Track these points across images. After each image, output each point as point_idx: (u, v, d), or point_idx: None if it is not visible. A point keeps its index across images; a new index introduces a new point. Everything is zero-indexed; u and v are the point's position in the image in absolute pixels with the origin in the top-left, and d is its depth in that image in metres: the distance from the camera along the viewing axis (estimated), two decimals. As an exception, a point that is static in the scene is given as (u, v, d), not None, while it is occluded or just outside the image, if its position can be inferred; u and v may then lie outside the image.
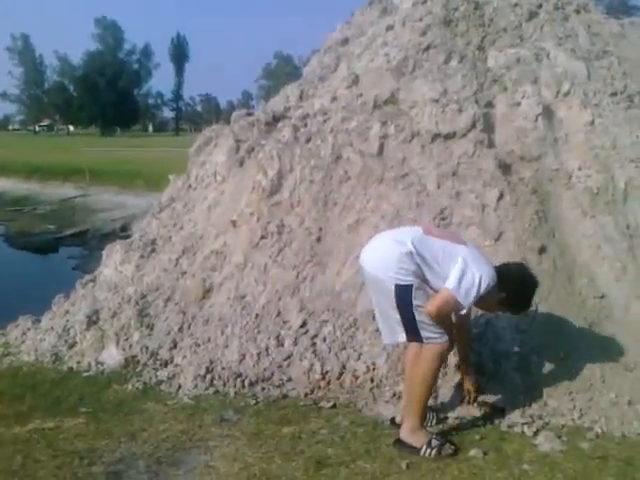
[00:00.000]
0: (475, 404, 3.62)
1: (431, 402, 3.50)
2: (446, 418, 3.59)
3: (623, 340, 3.92)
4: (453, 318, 3.43)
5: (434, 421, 3.52)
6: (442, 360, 3.25)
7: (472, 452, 3.20)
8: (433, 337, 3.12)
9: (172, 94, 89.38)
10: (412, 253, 3.12)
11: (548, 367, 3.81)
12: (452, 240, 3.27)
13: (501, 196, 4.44)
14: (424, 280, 3.17)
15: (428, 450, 3.16)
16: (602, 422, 3.51)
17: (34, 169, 26.56)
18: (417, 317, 3.09)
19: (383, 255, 3.22)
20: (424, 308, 3.08)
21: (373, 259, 3.27)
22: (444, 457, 3.14)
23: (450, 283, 3.07)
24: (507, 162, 4.67)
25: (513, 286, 3.26)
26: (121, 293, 5.10)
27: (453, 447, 3.20)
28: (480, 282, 3.05)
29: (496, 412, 3.58)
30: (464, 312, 3.32)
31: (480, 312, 3.85)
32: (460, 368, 3.69)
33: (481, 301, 3.22)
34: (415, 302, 3.09)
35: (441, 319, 3.12)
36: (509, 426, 3.48)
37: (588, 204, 4.49)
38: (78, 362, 4.70)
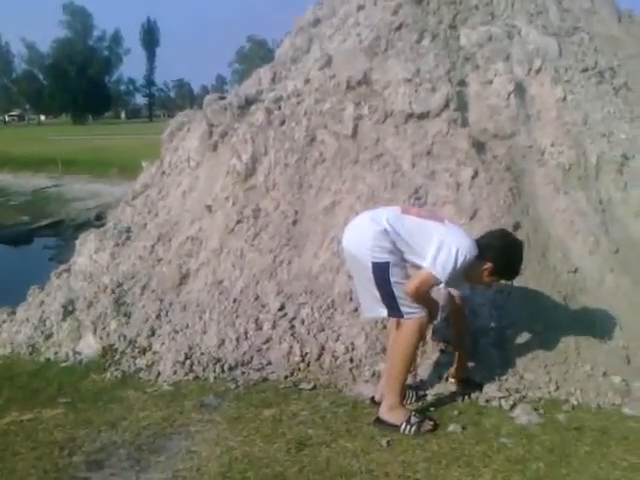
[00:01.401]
0: (453, 380, 3.66)
1: (410, 380, 3.53)
2: (425, 395, 3.62)
3: (597, 313, 3.98)
4: (441, 300, 3.47)
5: (414, 399, 3.56)
6: (421, 334, 3.27)
7: (451, 427, 3.24)
8: (412, 312, 3.15)
9: (144, 80, 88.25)
10: (387, 231, 3.13)
11: (524, 341, 3.86)
12: (429, 218, 3.28)
13: (475, 174, 4.46)
14: (402, 258, 3.18)
15: (408, 427, 3.19)
16: (578, 394, 3.58)
17: (5, 160, 26.07)
18: (396, 293, 3.12)
19: (360, 234, 3.24)
20: (403, 286, 3.10)
21: (350, 237, 3.30)
22: (424, 433, 3.18)
23: (426, 261, 3.09)
24: (481, 140, 4.69)
25: (497, 252, 3.24)
26: (97, 282, 5.04)
27: (432, 423, 3.24)
28: (457, 255, 3.06)
29: (473, 387, 3.62)
30: (442, 286, 3.34)
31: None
32: (455, 352, 3.70)
33: (469, 275, 3.25)
34: (393, 279, 3.11)
35: (420, 297, 3.14)
36: (487, 400, 3.53)
37: (561, 180, 4.53)
38: (55, 353, 4.66)
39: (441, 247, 3.07)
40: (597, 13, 5.79)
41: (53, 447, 3.27)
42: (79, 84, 71.25)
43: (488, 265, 3.23)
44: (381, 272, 3.12)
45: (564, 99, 4.85)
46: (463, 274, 3.25)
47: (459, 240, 3.13)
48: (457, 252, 3.07)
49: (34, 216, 17.51)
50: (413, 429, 3.19)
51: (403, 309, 3.14)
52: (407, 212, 3.32)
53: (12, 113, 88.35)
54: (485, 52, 5.06)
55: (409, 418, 3.21)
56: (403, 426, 3.20)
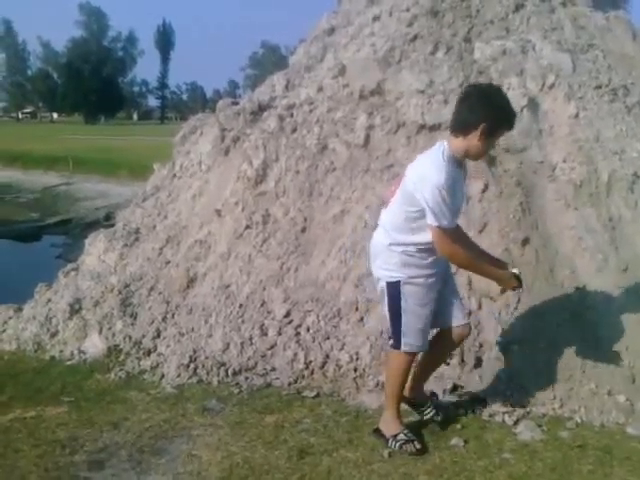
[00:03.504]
0: (456, 394, 3.65)
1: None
2: (438, 415, 3.60)
3: (603, 331, 3.96)
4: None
5: (430, 414, 3.44)
6: (409, 367, 3.22)
7: (453, 441, 3.23)
8: (411, 344, 3.12)
9: (157, 82, 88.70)
10: (391, 244, 3.10)
11: (529, 357, 3.84)
12: (400, 188, 3.12)
13: (486, 188, 4.46)
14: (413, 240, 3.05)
15: (393, 442, 3.17)
16: (582, 412, 3.56)
17: (16, 157, 26.26)
18: (403, 319, 3.09)
19: (373, 253, 3.26)
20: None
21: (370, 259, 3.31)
22: (405, 452, 3.12)
23: (428, 222, 2.93)
24: (492, 154, 4.68)
25: (482, 109, 2.89)
26: (104, 282, 5.06)
27: (419, 447, 3.15)
28: (438, 193, 2.85)
29: (477, 401, 3.61)
30: (454, 224, 3.06)
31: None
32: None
33: (468, 152, 2.99)
34: (404, 303, 3.08)
35: (456, 252, 2.99)
36: (490, 415, 3.52)
37: (571, 196, 4.52)
38: (60, 351, 4.67)
39: (427, 203, 2.87)
40: (612, 31, 5.78)
41: (55, 445, 3.28)
42: (92, 84, 71.73)
43: (481, 128, 2.88)
44: (393, 291, 3.11)
45: (577, 115, 4.84)
46: (462, 156, 3.02)
47: (425, 183, 2.90)
48: (434, 192, 2.85)
49: (43, 214, 17.62)
50: (397, 445, 3.16)
51: (404, 340, 3.11)
52: (387, 203, 3.22)
53: (25, 110, 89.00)
54: (499, 66, 5.06)
55: (397, 434, 3.19)
56: (390, 441, 3.19)
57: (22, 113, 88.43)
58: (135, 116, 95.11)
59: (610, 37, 5.67)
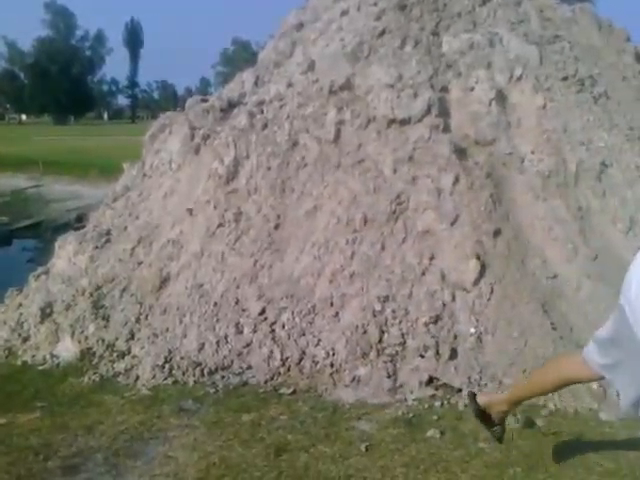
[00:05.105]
0: (432, 385, 3.67)
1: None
2: (405, 400, 3.63)
3: (575, 319, 4.02)
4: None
5: (502, 436, 2.95)
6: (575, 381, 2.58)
7: (430, 432, 3.25)
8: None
9: (127, 81, 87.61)
10: None
11: (502, 347, 3.88)
12: None
13: (456, 180, 4.48)
14: None
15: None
16: (556, 399, 3.61)
17: (-16, 160, 25.70)
18: None
19: None
20: None
21: None
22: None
23: None
24: (462, 146, 4.72)
25: None
26: (75, 285, 4.99)
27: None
28: None
29: (453, 392, 3.64)
30: None
31: (435, 295, 3.92)
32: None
33: None
34: None
35: None
36: (465, 405, 3.54)
37: (540, 187, 4.57)
38: (33, 356, 4.60)
39: None
40: (578, 22, 5.86)
41: (28, 452, 3.23)
42: (61, 84, 70.45)
43: None
44: None
45: (544, 107, 4.90)
46: None
47: None
48: None
49: (13, 217, 17.28)
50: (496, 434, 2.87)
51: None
52: None
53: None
54: (467, 59, 5.10)
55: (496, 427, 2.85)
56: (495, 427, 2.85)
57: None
58: (105, 116, 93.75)
59: (576, 29, 5.75)
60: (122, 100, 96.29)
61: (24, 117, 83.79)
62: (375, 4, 5.65)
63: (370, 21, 5.47)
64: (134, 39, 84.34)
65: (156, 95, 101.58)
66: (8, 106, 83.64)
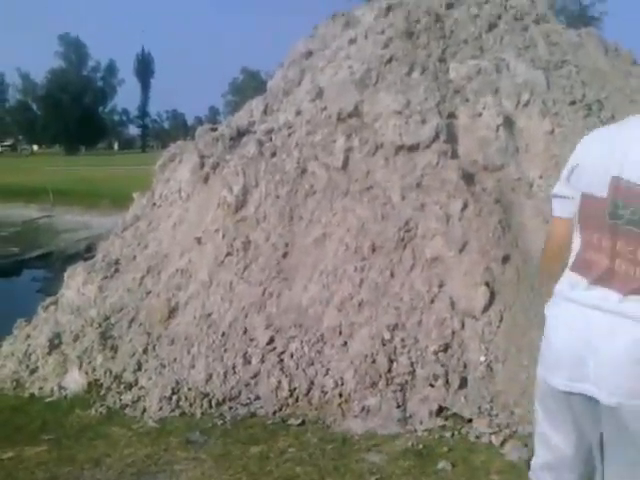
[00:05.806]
0: (442, 415, 3.60)
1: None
2: (414, 430, 3.56)
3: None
4: None
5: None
6: None
7: (440, 464, 3.18)
8: None
9: (138, 111, 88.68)
10: None
11: (513, 375, 3.81)
12: None
13: (465, 206, 4.46)
14: None
15: None
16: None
17: (-4, 190, 25.95)
18: None
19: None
20: None
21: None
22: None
23: None
24: (470, 172, 4.70)
25: None
26: (84, 315, 4.97)
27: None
28: None
29: (463, 423, 3.56)
30: None
31: (444, 322, 3.86)
32: None
33: None
34: None
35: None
36: (477, 437, 3.47)
37: (549, 212, 4.53)
38: (40, 388, 4.56)
39: None
40: (584, 47, 5.88)
41: (34, 486, 3.18)
42: (72, 114, 71.41)
43: None
44: None
45: (552, 132, 4.89)
46: None
47: None
48: None
49: (24, 247, 17.38)
50: None
51: None
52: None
53: (5, 143, 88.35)
54: (474, 85, 5.11)
55: None
56: None
57: (1, 146, 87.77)
58: (116, 146, 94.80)
59: (583, 53, 5.76)
60: (133, 130, 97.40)
61: (36, 147, 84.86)
62: (382, 32, 5.70)
63: (378, 49, 5.51)
64: (145, 69, 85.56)
65: (166, 125, 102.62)
66: (20, 137, 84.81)
